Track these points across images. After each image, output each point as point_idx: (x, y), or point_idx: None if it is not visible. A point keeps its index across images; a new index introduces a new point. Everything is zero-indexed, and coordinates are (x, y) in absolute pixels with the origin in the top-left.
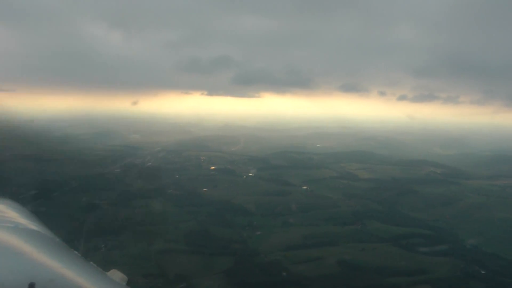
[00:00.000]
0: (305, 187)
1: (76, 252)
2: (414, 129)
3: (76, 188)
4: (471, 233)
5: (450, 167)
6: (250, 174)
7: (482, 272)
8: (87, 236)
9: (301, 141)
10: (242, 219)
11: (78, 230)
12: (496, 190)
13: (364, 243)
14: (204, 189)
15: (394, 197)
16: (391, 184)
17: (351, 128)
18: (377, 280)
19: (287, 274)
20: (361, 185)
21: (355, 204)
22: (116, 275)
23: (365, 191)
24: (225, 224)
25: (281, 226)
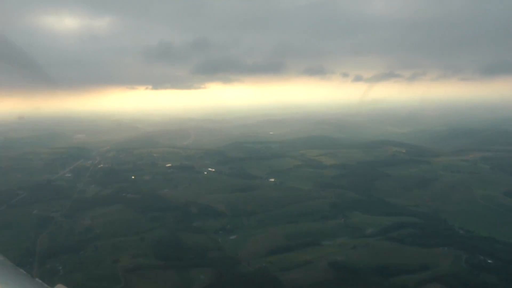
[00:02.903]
0: (272, 179)
1: (21, 270)
2: (365, 110)
3: (24, 199)
4: (458, 216)
5: (412, 145)
6: (209, 169)
7: (489, 261)
8: (41, 257)
9: (253, 130)
10: (214, 222)
11: (30, 251)
12: (467, 165)
13: (353, 239)
14: (165, 190)
15: (367, 183)
16: (359, 169)
17: (300, 113)
18: (380, 283)
19: (278, 285)
20: (329, 173)
21: (330, 195)
22: None
23: (335, 179)
24: (196, 229)
25: (257, 227)
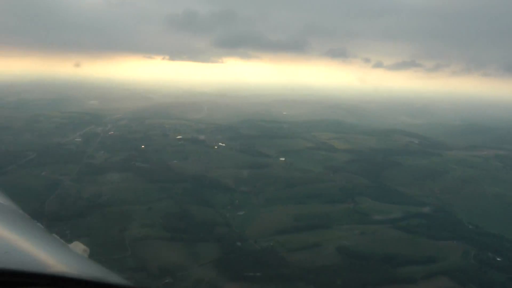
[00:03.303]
0: (282, 159)
1: (39, 224)
2: (379, 97)
3: (33, 160)
4: (468, 211)
5: (426, 137)
6: (220, 144)
7: (498, 259)
8: (49, 220)
9: (267, 109)
10: (222, 197)
11: (38, 213)
12: (479, 161)
13: (361, 224)
14: (174, 161)
15: (379, 170)
16: (371, 156)
17: (315, 96)
18: (387, 271)
19: (285, 266)
20: (341, 157)
21: (340, 179)
22: (79, 247)
23: (346, 164)
24: (204, 202)
25: (265, 205)
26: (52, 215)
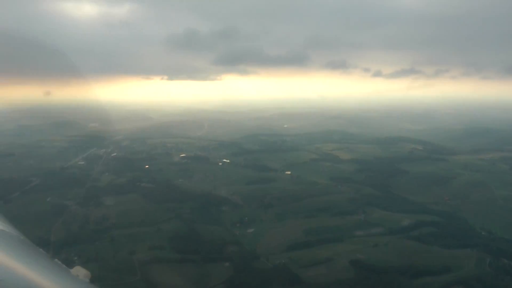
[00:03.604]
0: (288, 172)
1: (41, 249)
2: (379, 106)
3: (38, 186)
4: (478, 216)
5: (430, 142)
6: (224, 160)
7: None
8: (56, 246)
9: (267, 123)
10: (231, 214)
11: (45, 240)
12: (485, 165)
13: (373, 236)
14: (180, 180)
15: (386, 179)
16: (376, 165)
17: (315, 108)
18: (403, 284)
19: (299, 283)
20: (346, 168)
21: (348, 190)
22: (80, 271)
23: (352, 174)
24: (213, 221)
25: (274, 220)
26: (59, 242)
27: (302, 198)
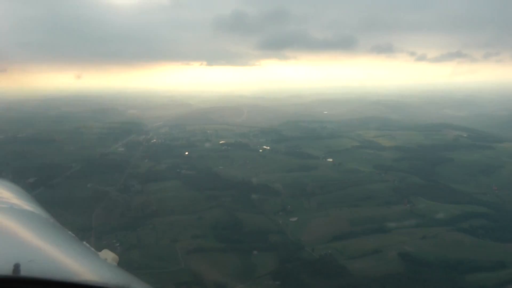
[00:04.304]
0: (330, 160)
1: (70, 232)
2: (420, 91)
3: (78, 172)
4: None
5: (473, 129)
6: (265, 147)
7: None
8: (97, 232)
9: (307, 109)
10: (272, 202)
11: (86, 225)
12: None
13: (421, 227)
14: (220, 167)
15: (430, 167)
16: (420, 153)
17: (354, 94)
18: (455, 279)
19: (347, 275)
20: (389, 155)
21: (392, 178)
22: (108, 255)
23: (395, 162)
24: (255, 209)
25: (317, 209)
26: (100, 228)
27: (345, 186)
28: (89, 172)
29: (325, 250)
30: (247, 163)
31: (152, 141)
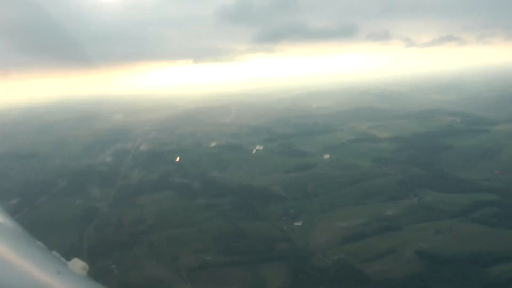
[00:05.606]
0: (327, 156)
1: (38, 242)
2: (406, 78)
3: (65, 188)
4: None
5: (466, 113)
6: (258, 147)
7: None
8: (90, 254)
9: (295, 104)
10: (274, 207)
11: (77, 248)
12: None
13: (432, 221)
14: (215, 172)
15: (430, 156)
16: (417, 142)
17: (340, 84)
18: (479, 274)
19: (367, 280)
20: (386, 147)
21: (393, 171)
22: (77, 264)
23: (394, 154)
24: (257, 216)
25: (322, 211)
26: (93, 248)
27: (347, 184)
28: (77, 187)
29: (337, 255)
30: (242, 165)
31: (140, 148)
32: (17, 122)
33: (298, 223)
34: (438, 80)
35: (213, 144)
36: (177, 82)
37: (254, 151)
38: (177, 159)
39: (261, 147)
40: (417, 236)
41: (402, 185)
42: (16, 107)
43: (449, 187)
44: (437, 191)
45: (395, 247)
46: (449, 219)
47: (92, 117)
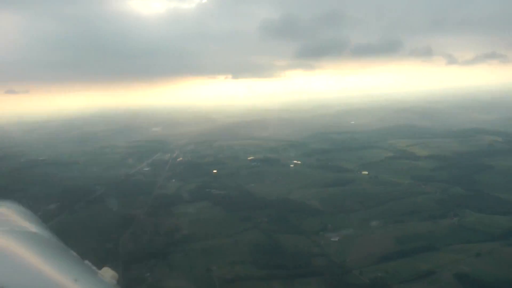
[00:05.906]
0: (365, 172)
1: (72, 251)
2: (446, 96)
3: (103, 195)
4: None
5: (507, 133)
6: (295, 162)
7: None
8: (125, 261)
9: (333, 120)
10: (311, 221)
11: (113, 254)
12: None
13: (473, 243)
14: (252, 185)
15: (471, 176)
16: (457, 161)
17: (379, 102)
18: None
19: None
20: (425, 165)
21: (433, 190)
22: (108, 273)
23: (434, 172)
24: (293, 229)
25: (360, 227)
26: (128, 256)
27: (386, 200)
28: (114, 195)
29: (374, 273)
30: (280, 179)
31: (178, 160)
32: (59, 132)
33: (336, 238)
34: (479, 98)
35: (250, 158)
36: (216, 96)
37: (291, 165)
38: (215, 171)
39: (299, 162)
40: (457, 258)
41: (442, 204)
42: (57, 119)
43: (491, 208)
44: (478, 211)
45: (434, 268)
46: (491, 242)
47: (131, 129)
